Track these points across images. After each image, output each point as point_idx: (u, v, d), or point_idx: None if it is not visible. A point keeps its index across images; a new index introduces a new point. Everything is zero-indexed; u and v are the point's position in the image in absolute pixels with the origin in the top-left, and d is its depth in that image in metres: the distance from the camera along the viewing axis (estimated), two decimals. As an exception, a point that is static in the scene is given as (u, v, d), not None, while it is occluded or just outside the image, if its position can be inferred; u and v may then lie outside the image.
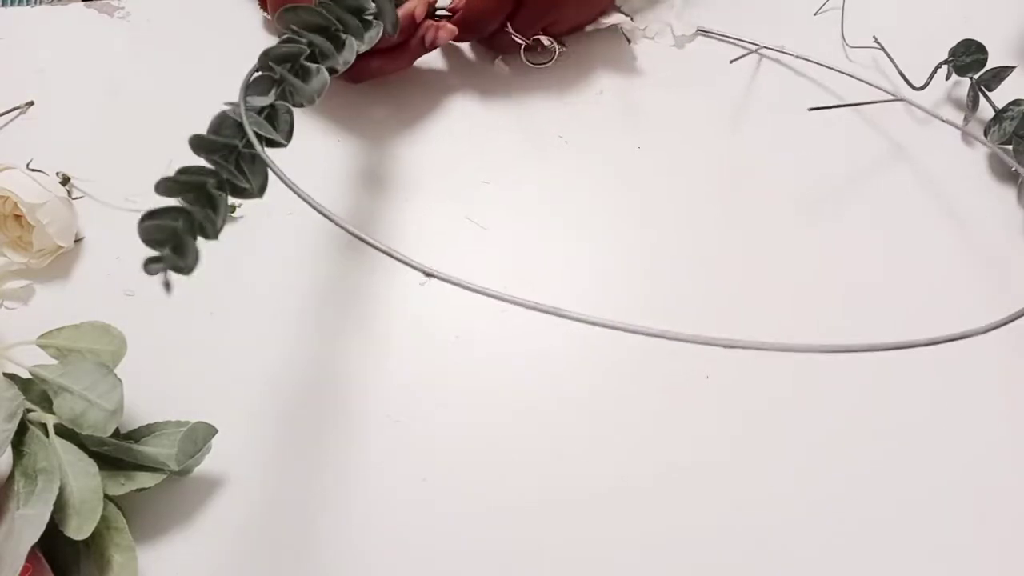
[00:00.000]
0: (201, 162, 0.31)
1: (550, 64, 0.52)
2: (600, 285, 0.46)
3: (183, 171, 0.30)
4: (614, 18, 0.53)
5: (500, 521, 0.39)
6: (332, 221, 0.29)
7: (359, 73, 0.49)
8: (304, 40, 0.37)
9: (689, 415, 0.42)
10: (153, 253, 0.28)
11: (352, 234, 0.29)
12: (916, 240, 0.48)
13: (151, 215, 0.28)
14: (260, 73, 0.35)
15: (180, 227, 0.29)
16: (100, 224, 0.46)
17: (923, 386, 0.43)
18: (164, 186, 0.29)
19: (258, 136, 0.32)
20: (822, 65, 0.53)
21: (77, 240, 0.46)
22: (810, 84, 0.54)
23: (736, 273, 0.47)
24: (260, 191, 0.32)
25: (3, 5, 0.58)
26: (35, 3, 0.57)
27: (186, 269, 0.28)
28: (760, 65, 0.55)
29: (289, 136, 0.34)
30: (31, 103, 0.51)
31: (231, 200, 0.46)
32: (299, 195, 0.30)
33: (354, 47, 0.38)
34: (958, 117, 0.53)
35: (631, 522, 0.39)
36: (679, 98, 0.53)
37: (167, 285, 0.28)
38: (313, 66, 0.36)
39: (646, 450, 0.41)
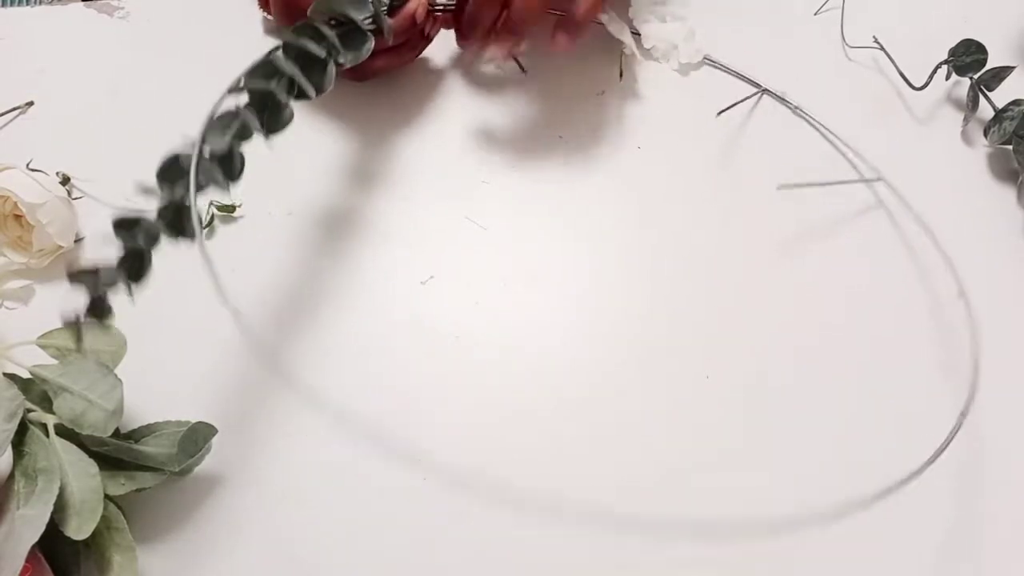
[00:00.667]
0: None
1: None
2: (599, 285, 0.46)
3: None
4: (621, 35, 0.52)
5: (500, 521, 0.39)
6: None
7: (364, 72, 0.49)
8: (283, 76, 0.37)
9: (689, 414, 0.42)
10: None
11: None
12: (916, 241, 0.48)
13: (76, 274, 0.32)
14: (223, 112, 0.36)
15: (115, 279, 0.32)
16: (100, 224, 0.46)
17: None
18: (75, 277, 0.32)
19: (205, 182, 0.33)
20: (818, 124, 0.52)
21: (77, 240, 0.45)
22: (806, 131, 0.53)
23: (736, 273, 0.47)
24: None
25: (3, 5, 0.58)
26: (35, 3, 0.57)
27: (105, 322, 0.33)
28: (761, 102, 0.54)
29: (239, 174, 0.35)
30: (31, 103, 0.50)
31: (231, 200, 0.46)
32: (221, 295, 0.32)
33: (332, 76, 0.39)
34: (958, 117, 0.53)
35: (631, 522, 0.39)
36: (679, 100, 0.53)
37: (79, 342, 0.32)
38: (284, 99, 0.37)
39: (647, 450, 0.41)
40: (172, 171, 0.33)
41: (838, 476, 0.40)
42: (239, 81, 0.36)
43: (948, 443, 0.37)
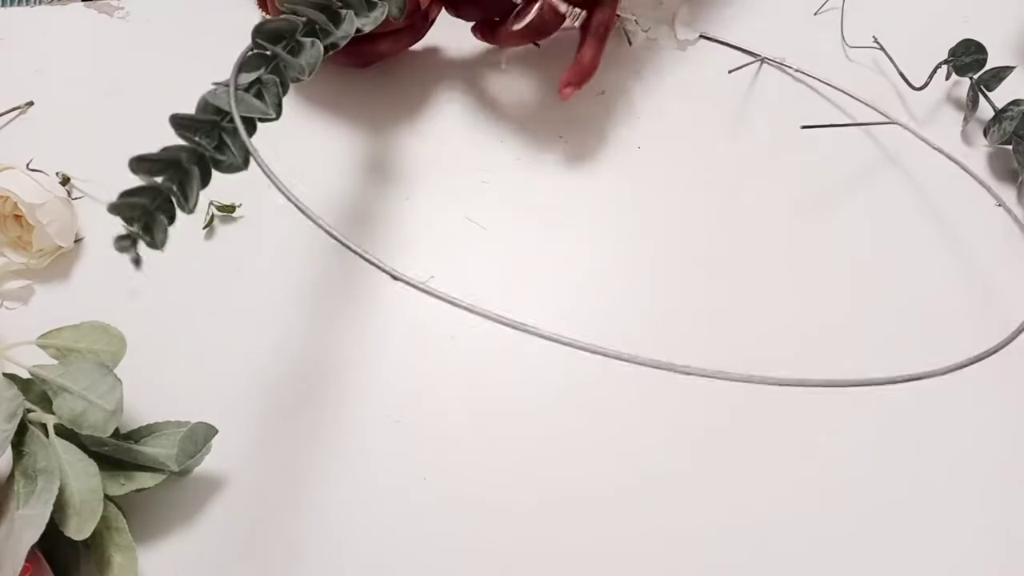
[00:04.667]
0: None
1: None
2: (599, 285, 0.46)
3: (162, 151, 0.31)
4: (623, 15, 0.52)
5: (500, 521, 0.39)
6: (297, 206, 0.30)
7: (367, 57, 0.49)
8: (302, 17, 0.37)
9: (690, 414, 0.42)
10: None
11: (313, 220, 0.30)
12: (915, 243, 0.48)
13: (125, 194, 0.29)
14: (253, 52, 0.35)
15: (150, 205, 0.30)
16: (100, 224, 0.46)
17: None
18: (138, 164, 0.30)
19: (244, 115, 0.32)
20: (821, 81, 0.53)
21: (77, 240, 0.45)
22: (809, 92, 0.54)
23: (737, 274, 0.47)
24: (245, 163, 0.33)
25: (3, 5, 0.58)
26: (35, 3, 0.57)
27: (157, 245, 0.30)
28: (761, 72, 0.54)
29: (278, 109, 0.35)
30: (31, 103, 0.50)
31: (231, 201, 0.46)
32: (273, 181, 0.31)
33: (354, 22, 0.38)
34: (958, 117, 0.53)
35: (631, 522, 0.39)
36: (680, 101, 0.53)
37: (136, 261, 0.29)
38: (308, 40, 0.36)
39: (647, 450, 0.41)
40: (208, 109, 0.33)
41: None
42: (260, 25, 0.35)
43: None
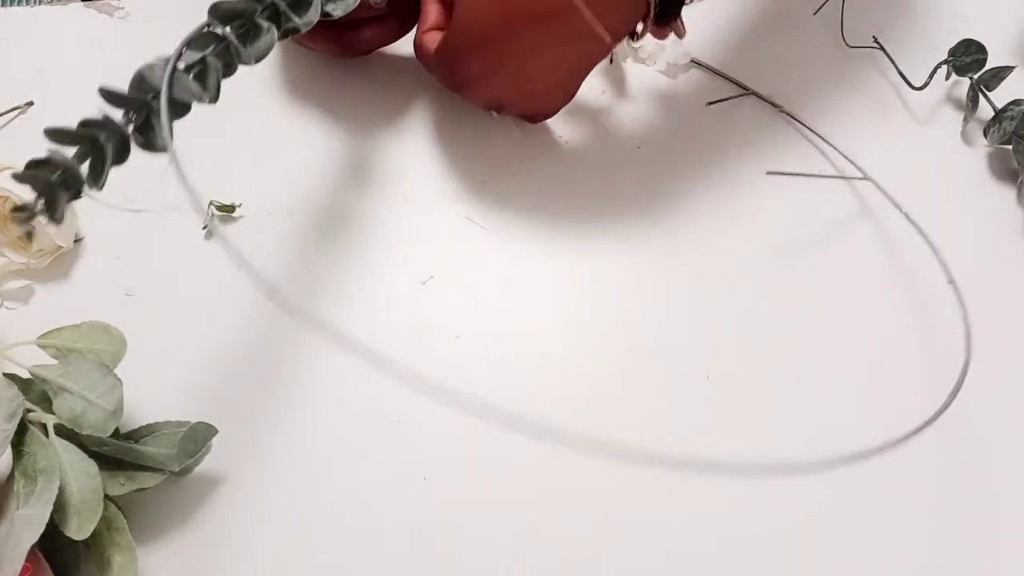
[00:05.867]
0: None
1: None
2: (600, 284, 0.46)
3: (80, 123, 0.31)
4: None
5: (500, 520, 0.39)
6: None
7: (353, 45, 0.49)
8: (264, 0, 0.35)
9: (690, 413, 0.42)
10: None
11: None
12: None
13: (30, 165, 0.30)
14: (205, 30, 0.34)
15: (54, 179, 0.30)
16: (100, 224, 0.46)
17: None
18: (52, 135, 0.30)
19: (177, 96, 0.31)
20: (807, 127, 0.52)
21: (77, 240, 0.45)
22: (791, 132, 0.52)
23: (738, 275, 0.47)
24: (166, 148, 0.31)
25: (3, 5, 0.58)
26: (35, 3, 0.57)
27: (56, 219, 0.30)
28: (745, 105, 0.53)
29: (216, 93, 0.33)
30: (31, 103, 0.50)
31: (231, 201, 0.46)
32: (179, 176, 0.29)
33: (319, 7, 0.37)
34: (958, 117, 0.53)
35: (630, 521, 0.39)
36: (676, 113, 0.53)
37: (29, 235, 0.30)
38: (264, 24, 0.35)
39: (648, 449, 0.41)
40: (144, 84, 0.32)
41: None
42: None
43: (941, 411, 0.36)
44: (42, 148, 0.47)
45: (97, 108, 0.31)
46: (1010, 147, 0.51)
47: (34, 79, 0.52)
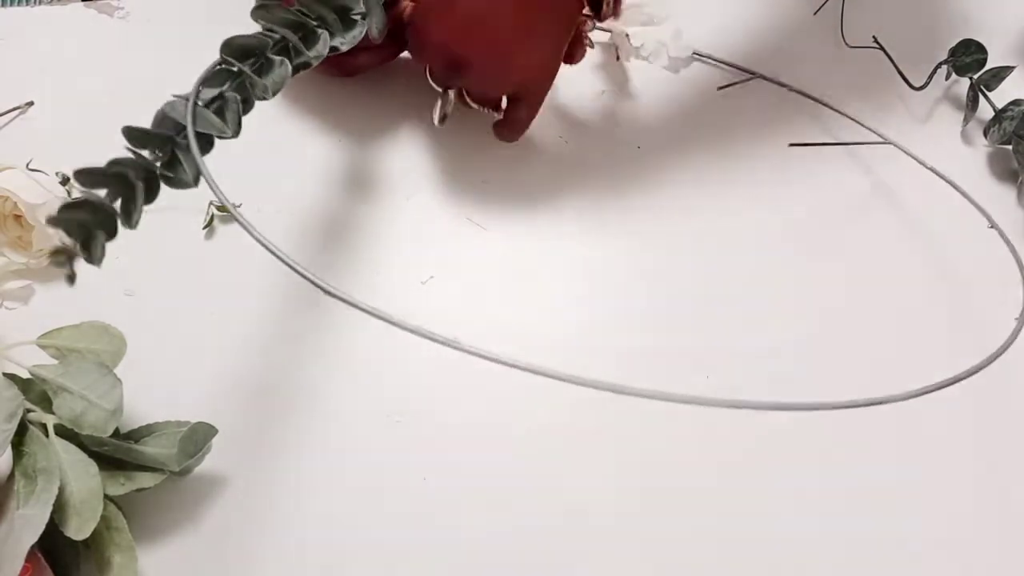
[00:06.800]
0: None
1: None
2: (600, 285, 0.46)
3: (109, 163, 0.30)
4: (611, 26, 0.52)
5: (500, 520, 0.39)
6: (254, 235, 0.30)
7: (348, 68, 0.50)
8: (275, 35, 0.36)
9: (690, 413, 0.42)
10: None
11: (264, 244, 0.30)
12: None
13: (65, 208, 0.29)
14: (219, 66, 0.35)
15: (90, 221, 0.29)
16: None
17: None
18: (83, 177, 0.30)
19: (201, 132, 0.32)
20: (816, 100, 0.53)
21: (77, 240, 0.45)
22: (803, 108, 0.53)
23: (738, 275, 0.47)
24: (196, 181, 0.32)
25: (3, 5, 0.58)
26: (35, 3, 0.57)
27: (94, 261, 0.30)
28: (754, 88, 0.54)
29: (237, 128, 0.34)
30: (31, 103, 0.50)
31: (231, 201, 0.46)
32: (223, 200, 0.31)
33: (328, 42, 0.38)
34: (958, 117, 0.53)
35: (631, 522, 0.39)
36: (672, 116, 0.53)
37: (71, 278, 0.29)
38: (277, 59, 0.36)
39: (648, 450, 0.41)
40: (166, 121, 0.32)
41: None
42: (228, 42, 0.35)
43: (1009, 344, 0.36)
44: (42, 148, 0.47)
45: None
46: (1010, 147, 0.51)
47: (34, 79, 0.52)
